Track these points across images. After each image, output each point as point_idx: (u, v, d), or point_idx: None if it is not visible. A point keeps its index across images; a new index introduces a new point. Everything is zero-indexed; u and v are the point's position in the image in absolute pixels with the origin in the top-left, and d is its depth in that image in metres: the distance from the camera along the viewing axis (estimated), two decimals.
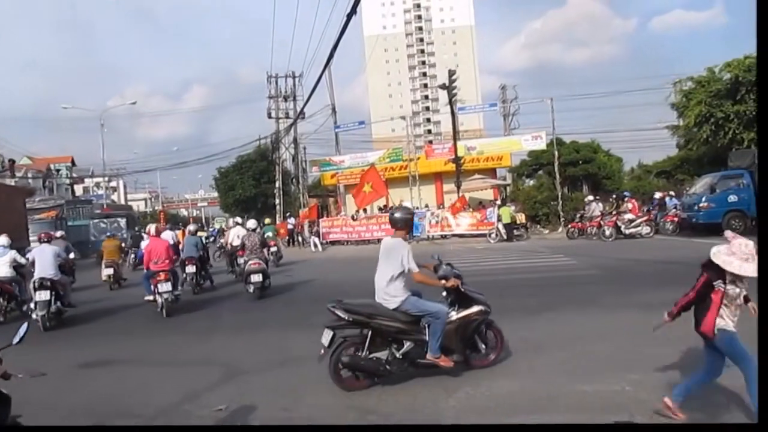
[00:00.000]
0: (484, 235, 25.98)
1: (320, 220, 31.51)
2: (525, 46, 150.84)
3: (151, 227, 12.36)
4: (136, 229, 35.29)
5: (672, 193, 23.49)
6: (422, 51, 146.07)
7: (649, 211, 21.51)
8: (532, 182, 37.32)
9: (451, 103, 27.24)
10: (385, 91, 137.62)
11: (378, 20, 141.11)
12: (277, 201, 47.80)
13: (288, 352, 7.34)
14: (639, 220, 20.42)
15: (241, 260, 14.63)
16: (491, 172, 37.82)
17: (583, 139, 35.64)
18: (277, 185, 47.85)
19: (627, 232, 20.47)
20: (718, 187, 18.37)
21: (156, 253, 11.14)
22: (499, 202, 27.84)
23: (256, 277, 12.27)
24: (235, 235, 16.26)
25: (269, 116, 47.30)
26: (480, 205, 30.01)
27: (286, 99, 46.96)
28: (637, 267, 13.50)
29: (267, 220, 24.84)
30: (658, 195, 23.44)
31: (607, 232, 20.58)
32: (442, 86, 26.50)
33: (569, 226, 23.58)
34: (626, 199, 21.00)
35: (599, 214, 21.96)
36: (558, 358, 6.26)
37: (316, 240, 29.30)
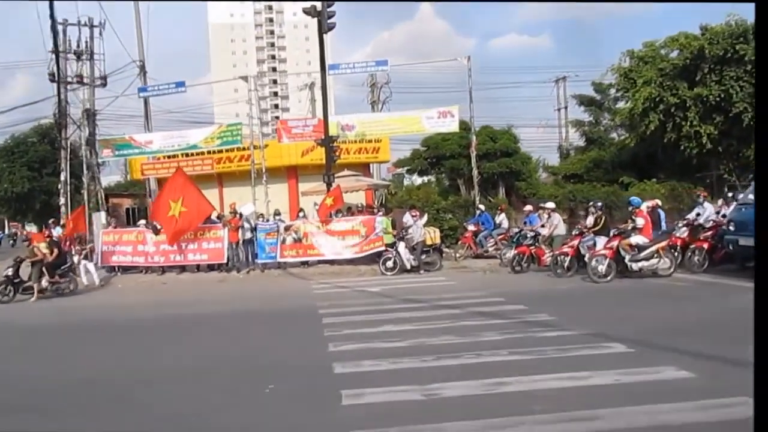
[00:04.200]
0: (372, 260, 16.15)
1: (101, 232, 19.21)
2: (371, 55, 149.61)
3: None
4: None
5: (659, 202, 15.04)
6: (272, 44, 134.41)
7: (670, 234, 12.70)
8: (423, 180, 28.21)
9: (322, 41, 16.83)
10: (231, 85, 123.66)
11: (225, 7, 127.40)
12: (61, 200, 33.55)
13: None
14: (654, 247, 11.76)
15: None
16: (364, 169, 28.15)
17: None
18: (62, 177, 33.50)
19: (636, 266, 11.71)
20: None
21: None
22: (379, 213, 18.17)
23: None
24: None
25: (52, 79, 32.96)
26: (357, 210, 20.02)
27: (79, 57, 32.97)
28: None
29: None
30: (646, 205, 14.50)
31: (601, 267, 11.64)
32: (311, 10, 15.99)
33: (515, 251, 14.42)
34: (633, 210, 12.15)
35: (576, 233, 13.06)
36: None
37: (89, 266, 17.13)
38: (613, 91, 24.18)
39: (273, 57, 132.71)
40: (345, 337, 7.63)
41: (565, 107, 46.98)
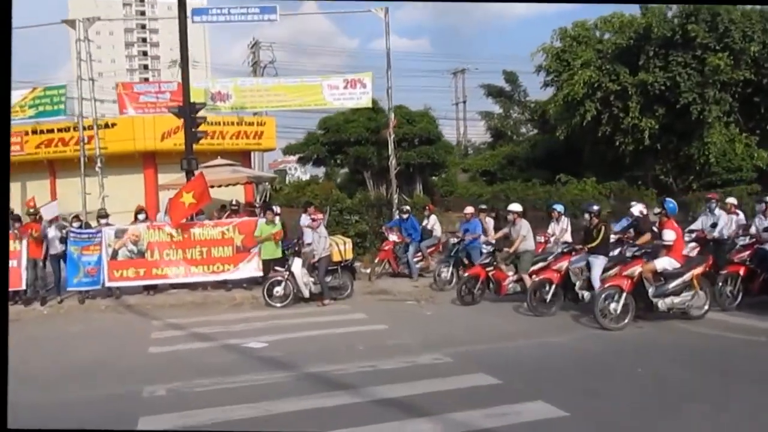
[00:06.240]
0: (255, 282, 11.08)
1: None
2: (253, 48, 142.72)
3: None
4: None
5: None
6: (143, 27, 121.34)
7: (707, 257, 8.55)
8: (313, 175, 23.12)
9: None
10: (95, 70, 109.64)
11: None
12: None
13: None
14: (688, 275, 7.82)
15: None
16: (243, 158, 22.55)
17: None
18: None
19: (664, 305, 7.73)
20: None
21: None
22: (263, 214, 12.96)
23: None
24: None
25: None
26: (231, 209, 14.47)
27: None
28: None
29: None
30: (638, 210, 10.28)
31: (615, 306, 7.54)
32: None
33: (465, 274, 10.08)
34: (661, 218, 7.96)
35: (563, 250, 8.85)
36: None
37: None
38: (542, 75, 20.88)
39: (144, 40, 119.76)
40: None
41: (464, 101, 44.42)
